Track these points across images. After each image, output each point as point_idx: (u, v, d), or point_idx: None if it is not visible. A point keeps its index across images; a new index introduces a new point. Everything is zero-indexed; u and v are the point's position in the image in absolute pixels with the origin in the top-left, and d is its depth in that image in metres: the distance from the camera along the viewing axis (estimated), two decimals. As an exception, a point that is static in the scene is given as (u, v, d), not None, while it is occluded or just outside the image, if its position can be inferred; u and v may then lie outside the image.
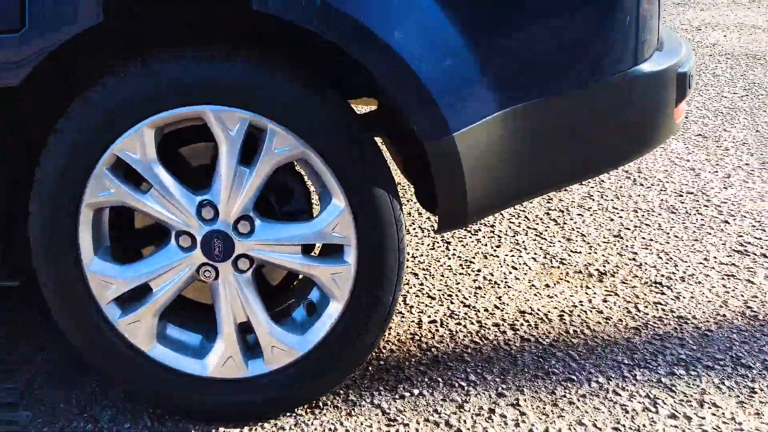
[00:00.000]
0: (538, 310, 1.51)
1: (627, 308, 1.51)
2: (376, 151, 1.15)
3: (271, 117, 1.10)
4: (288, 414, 1.26)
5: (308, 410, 1.27)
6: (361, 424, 1.24)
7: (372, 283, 1.18)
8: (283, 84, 1.09)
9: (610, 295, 1.56)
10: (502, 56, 1.08)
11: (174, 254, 1.16)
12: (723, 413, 1.22)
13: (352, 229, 1.14)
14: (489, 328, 1.46)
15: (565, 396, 1.28)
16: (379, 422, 1.24)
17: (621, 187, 2.09)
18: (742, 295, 1.55)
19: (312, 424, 1.24)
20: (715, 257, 1.69)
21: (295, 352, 1.21)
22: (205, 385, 1.23)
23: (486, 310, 1.53)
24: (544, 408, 1.25)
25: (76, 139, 1.11)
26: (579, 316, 1.49)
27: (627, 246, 1.75)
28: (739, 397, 1.26)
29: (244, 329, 1.22)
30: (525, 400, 1.27)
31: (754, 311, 1.50)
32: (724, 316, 1.49)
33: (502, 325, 1.47)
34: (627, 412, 1.24)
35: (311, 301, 1.24)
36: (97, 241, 1.18)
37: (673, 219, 1.89)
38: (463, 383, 1.32)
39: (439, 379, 1.33)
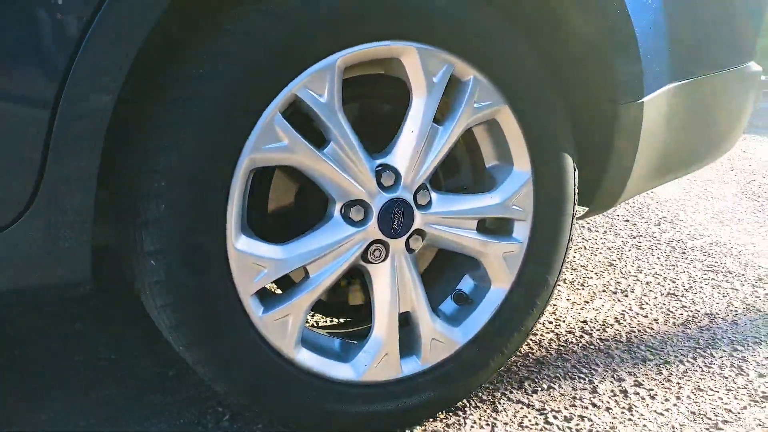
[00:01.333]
0: (595, 318, 1.58)
1: (664, 312, 1.63)
2: (563, 117, 1.12)
3: (479, 65, 1.03)
4: (431, 419, 1.16)
5: (450, 414, 1.18)
6: (515, 415, 1.18)
7: (541, 264, 1.15)
8: (498, 29, 1.03)
9: (643, 305, 1.67)
10: (686, 30, 1.17)
11: (342, 229, 1.01)
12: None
13: (531, 202, 1.11)
14: (566, 335, 1.49)
15: (672, 373, 1.34)
16: (529, 413, 1.19)
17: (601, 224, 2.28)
18: (735, 295, 1.76)
19: (466, 423, 1.15)
20: (696, 274, 1.90)
21: (455, 344, 1.12)
22: (356, 392, 1.07)
23: (550, 323, 1.56)
24: (662, 383, 1.30)
25: (238, 73, 0.89)
26: (632, 319, 1.58)
27: (625, 271, 1.90)
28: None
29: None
30: (642, 381, 1.31)
31: (750, 303, 1.71)
32: (736, 308, 1.67)
33: (575, 332, 1.51)
34: (726, 377, 1.33)
35: (461, 291, 1.18)
36: (239, 216, 0.95)
37: (651, 248, 2.09)
38: (582, 375, 1.33)
39: (555, 376, 1.32)
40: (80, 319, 1.48)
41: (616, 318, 1.59)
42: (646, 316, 1.61)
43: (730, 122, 1.37)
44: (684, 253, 2.03)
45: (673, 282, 1.80)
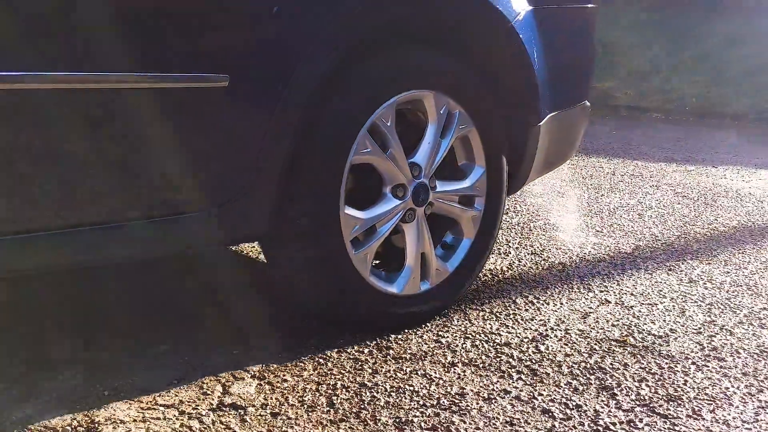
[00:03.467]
0: (496, 265, 2.38)
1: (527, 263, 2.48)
2: (502, 134, 1.91)
3: (462, 104, 1.79)
4: (433, 319, 1.88)
5: (442, 316, 1.91)
6: (478, 315, 1.93)
7: (489, 223, 1.94)
8: (473, 81, 1.81)
9: (513, 260, 2.50)
10: (556, 82, 2.01)
11: (393, 202, 1.73)
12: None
13: (485, 186, 1.90)
14: (485, 276, 2.27)
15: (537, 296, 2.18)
16: (481, 314, 1.95)
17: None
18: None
19: (452, 321, 1.89)
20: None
21: (447, 272, 1.88)
22: (398, 301, 1.79)
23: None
24: (543, 299, 2.12)
25: (350, 109, 1.60)
26: (514, 269, 2.40)
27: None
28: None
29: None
30: (529, 296, 2.12)
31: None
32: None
33: (495, 274, 2.29)
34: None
35: (445, 241, 1.93)
36: (344, 194, 1.64)
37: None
38: (505, 296, 2.10)
39: (491, 296, 2.09)
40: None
41: (506, 268, 2.42)
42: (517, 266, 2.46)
43: (576, 138, 2.27)
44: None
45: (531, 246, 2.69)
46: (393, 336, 1.78)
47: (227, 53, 1.42)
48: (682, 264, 2.47)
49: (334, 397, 1.50)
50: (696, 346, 1.82)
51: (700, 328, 1.94)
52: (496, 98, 1.93)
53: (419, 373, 1.62)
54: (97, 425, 1.37)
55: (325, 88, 1.57)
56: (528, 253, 2.54)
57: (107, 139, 1.34)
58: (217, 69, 1.40)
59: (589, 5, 2.18)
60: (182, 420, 1.40)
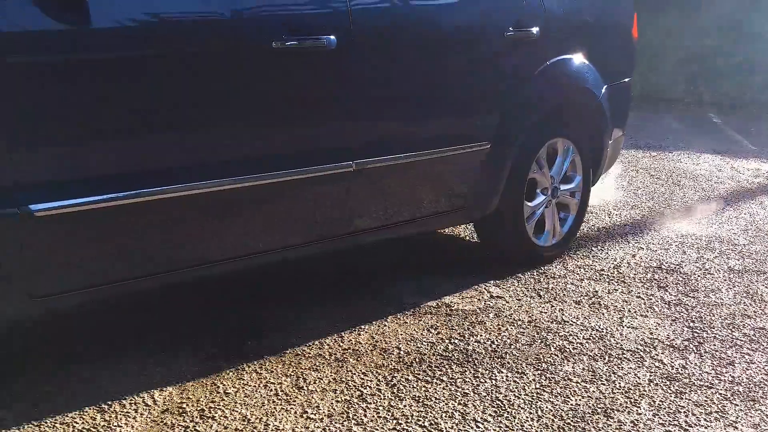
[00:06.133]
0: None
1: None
2: (589, 156, 3.45)
3: (572, 142, 3.32)
4: (552, 263, 3.41)
5: (556, 260, 3.44)
6: (576, 262, 3.48)
7: (582, 206, 3.51)
8: (579, 129, 3.35)
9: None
10: (614, 120, 3.59)
11: (542, 197, 3.29)
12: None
13: (581, 185, 3.45)
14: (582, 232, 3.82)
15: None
16: (569, 257, 3.50)
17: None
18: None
19: (567, 259, 3.42)
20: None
21: (562, 233, 3.43)
22: (542, 248, 3.33)
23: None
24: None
25: (531, 149, 3.12)
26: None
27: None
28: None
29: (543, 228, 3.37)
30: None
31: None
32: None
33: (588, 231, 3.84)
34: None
35: (560, 216, 3.46)
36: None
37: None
38: (589, 246, 3.66)
39: (583, 244, 3.64)
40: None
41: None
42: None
43: (619, 150, 3.85)
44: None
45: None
46: (544, 267, 3.34)
47: (491, 131, 2.93)
48: (674, 224, 4.08)
49: (541, 288, 3.04)
50: (697, 269, 3.43)
51: (696, 260, 3.55)
52: (587, 135, 3.48)
53: (567, 280, 3.17)
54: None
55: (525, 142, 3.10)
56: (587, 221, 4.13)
57: (423, 180, 2.84)
58: (487, 139, 2.90)
59: (627, 79, 3.74)
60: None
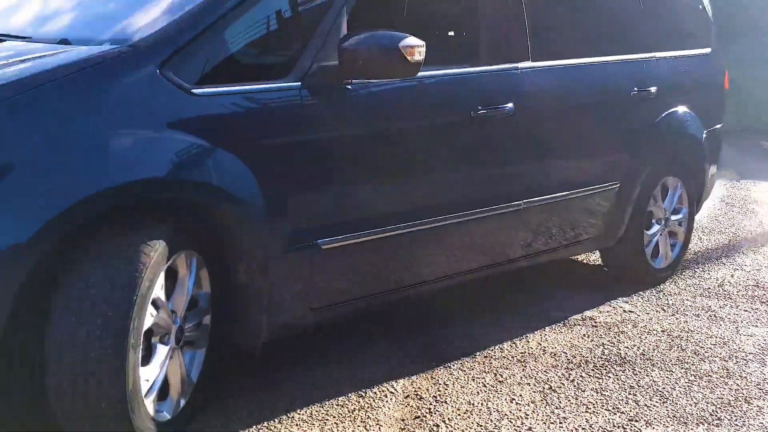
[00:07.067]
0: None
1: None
2: (693, 190, 4.05)
3: (680, 179, 3.93)
4: (665, 282, 3.97)
5: (673, 275, 4.01)
6: (686, 281, 4.04)
7: (687, 233, 4.09)
8: (685, 168, 3.96)
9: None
10: (711, 157, 4.17)
11: (657, 227, 3.89)
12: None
13: (687, 215, 4.04)
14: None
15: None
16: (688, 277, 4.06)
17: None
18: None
19: (678, 276, 3.99)
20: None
21: (671, 257, 4.02)
22: (656, 270, 3.92)
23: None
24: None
25: (650, 187, 3.72)
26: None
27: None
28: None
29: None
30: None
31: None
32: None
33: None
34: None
35: (670, 243, 4.03)
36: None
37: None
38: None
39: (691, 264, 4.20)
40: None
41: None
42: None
43: (714, 181, 4.42)
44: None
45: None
46: (660, 286, 3.91)
47: (621, 172, 3.54)
48: (759, 247, 4.63)
49: (663, 304, 3.60)
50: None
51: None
52: (692, 173, 4.08)
53: (682, 296, 3.74)
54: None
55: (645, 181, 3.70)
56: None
57: (571, 214, 3.44)
58: (617, 179, 3.51)
59: (719, 125, 4.32)
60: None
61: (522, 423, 2.52)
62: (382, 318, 3.30)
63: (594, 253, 4.23)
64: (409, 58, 2.45)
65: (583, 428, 2.51)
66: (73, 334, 1.91)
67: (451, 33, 3.34)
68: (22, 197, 1.86)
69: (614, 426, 2.53)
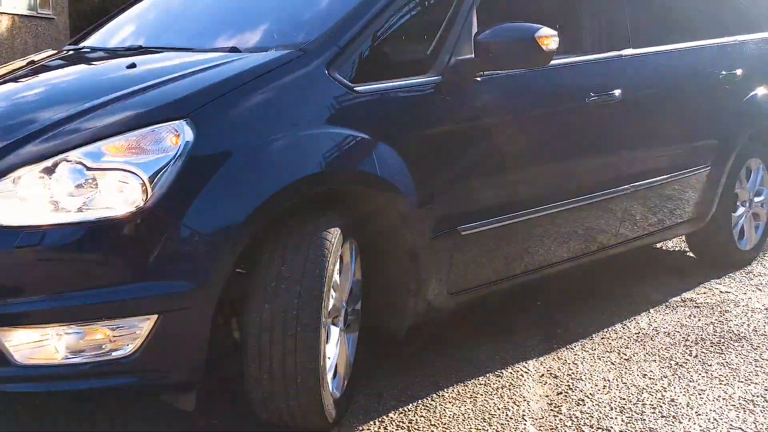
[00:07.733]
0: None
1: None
2: None
3: (763, 161, 4.00)
4: (751, 264, 4.04)
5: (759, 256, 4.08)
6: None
7: (770, 213, 4.15)
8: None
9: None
10: None
11: (743, 208, 3.96)
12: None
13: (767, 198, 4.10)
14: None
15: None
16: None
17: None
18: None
19: (752, 263, 4.06)
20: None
21: (757, 238, 4.09)
22: (743, 252, 3.99)
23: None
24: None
25: (734, 163, 3.80)
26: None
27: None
28: None
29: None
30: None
31: None
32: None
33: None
34: None
35: (754, 224, 4.11)
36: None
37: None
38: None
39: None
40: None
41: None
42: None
43: None
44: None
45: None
46: (748, 267, 4.00)
47: (711, 155, 3.63)
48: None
49: (757, 284, 3.67)
50: None
51: None
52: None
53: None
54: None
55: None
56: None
57: (670, 197, 3.53)
58: (708, 162, 3.60)
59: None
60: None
61: (662, 395, 2.60)
62: (493, 304, 3.40)
63: (671, 240, 4.31)
64: (543, 47, 2.55)
65: (723, 398, 2.58)
66: (270, 314, 2.03)
67: (559, 24, 3.43)
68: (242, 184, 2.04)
69: (753, 395, 2.60)
